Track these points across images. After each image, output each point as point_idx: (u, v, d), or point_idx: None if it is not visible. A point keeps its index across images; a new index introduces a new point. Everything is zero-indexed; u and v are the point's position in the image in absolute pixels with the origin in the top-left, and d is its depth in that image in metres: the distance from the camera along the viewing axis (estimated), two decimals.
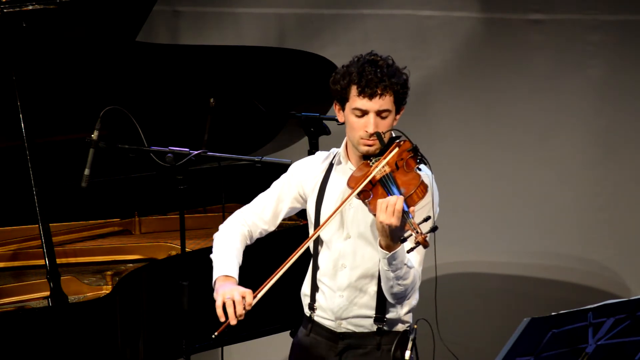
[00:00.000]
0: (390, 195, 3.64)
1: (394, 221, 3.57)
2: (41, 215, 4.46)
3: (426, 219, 3.59)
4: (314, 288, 3.97)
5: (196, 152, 4.39)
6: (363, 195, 3.73)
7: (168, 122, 5.41)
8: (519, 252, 6.44)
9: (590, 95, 6.29)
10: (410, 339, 3.83)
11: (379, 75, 3.75)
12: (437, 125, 6.42)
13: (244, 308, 3.73)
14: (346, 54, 6.48)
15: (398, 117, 3.83)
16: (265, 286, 3.77)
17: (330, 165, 3.95)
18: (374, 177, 3.72)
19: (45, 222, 4.46)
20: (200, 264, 4.88)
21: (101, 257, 5.09)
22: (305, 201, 3.99)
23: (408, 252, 3.68)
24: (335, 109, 3.89)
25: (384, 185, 3.70)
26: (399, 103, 3.80)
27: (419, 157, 3.77)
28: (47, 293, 4.43)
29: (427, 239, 3.56)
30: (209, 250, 5.02)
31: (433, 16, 6.40)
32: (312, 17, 6.52)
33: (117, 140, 4.57)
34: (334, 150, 4.00)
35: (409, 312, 3.96)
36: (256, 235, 4.03)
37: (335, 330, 3.93)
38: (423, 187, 3.69)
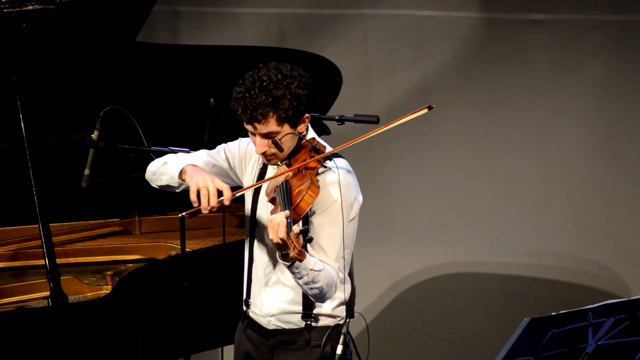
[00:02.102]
0: (282, 205, 3.64)
1: (277, 240, 3.57)
2: (41, 215, 4.45)
3: (302, 231, 3.57)
4: (249, 284, 4.00)
5: None
6: (271, 201, 3.77)
7: (168, 122, 5.41)
8: (519, 252, 6.44)
9: (590, 95, 6.29)
10: (343, 333, 3.79)
11: (254, 104, 3.72)
12: (436, 125, 6.42)
13: (218, 202, 3.71)
14: (346, 54, 6.52)
15: (302, 125, 3.80)
16: (246, 189, 3.80)
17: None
18: (277, 182, 3.74)
19: (45, 222, 4.46)
20: (200, 264, 4.89)
21: (101, 257, 5.09)
22: (233, 175, 3.99)
23: (284, 259, 3.63)
24: None
25: (280, 194, 3.70)
26: (290, 119, 3.76)
27: (324, 159, 3.76)
28: (47, 293, 4.43)
29: (300, 252, 3.52)
30: (209, 250, 5.04)
31: (433, 16, 6.40)
32: (312, 17, 6.52)
33: (117, 140, 4.57)
34: None
35: (339, 305, 3.93)
36: None
37: (266, 327, 3.95)
38: (312, 192, 3.68)
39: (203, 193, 3.70)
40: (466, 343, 6.49)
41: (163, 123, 5.35)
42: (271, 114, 3.73)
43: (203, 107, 5.39)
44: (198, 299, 4.79)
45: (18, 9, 4.58)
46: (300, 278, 3.69)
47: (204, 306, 4.86)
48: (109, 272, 4.73)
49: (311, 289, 3.73)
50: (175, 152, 4.37)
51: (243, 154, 4.00)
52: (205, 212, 3.71)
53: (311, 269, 3.68)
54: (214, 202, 3.70)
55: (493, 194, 6.44)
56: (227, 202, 3.72)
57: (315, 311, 3.89)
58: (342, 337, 3.78)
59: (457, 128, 6.45)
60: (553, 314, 3.33)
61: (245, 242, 4.01)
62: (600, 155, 6.31)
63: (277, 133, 3.76)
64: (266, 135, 3.76)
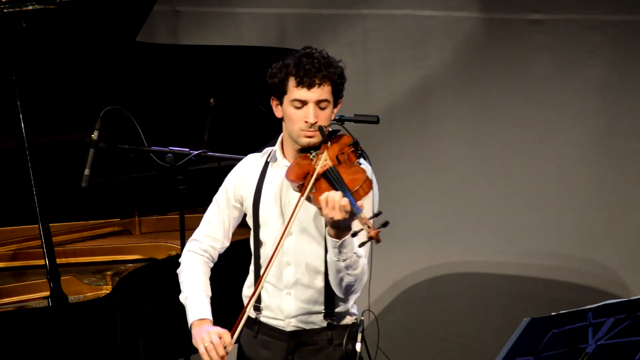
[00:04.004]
0: (337, 190, 3.63)
1: (339, 215, 3.57)
2: (41, 215, 4.46)
3: (377, 214, 3.59)
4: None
5: (196, 152, 4.40)
6: (299, 188, 3.72)
7: (168, 122, 5.41)
8: (519, 252, 6.43)
9: (590, 95, 6.29)
10: (359, 331, 3.82)
11: (317, 66, 3.76)
12: (436, 125, 6.42)
13: (225, 348, 3.75)
14: (346, 54, 6.52)
15: (336, 110, 3.84)
16: (240, 321, 3.79)
17: (266, 164, 3.94)
18: (317, 170, 3.72)
19: (45, 222, 4.46)
20: None
21: (101, 257, 5.09)
22: (243, 205, 3.98)
23: (360, 246, 3.65)
24: (272, 104, 3.87)
25: (329, 179, 3.69)
26: (337, 95, 3.82)
27: (359, 152, 3.78)
28: (47, 293, 4.43)
29: (380, 234, 3.52)
30: None
31: (433, 16, 6.40)
32: (312, 17, 6.52)
33: (117, 140, 4.58)
34: (267, 149, 3.99)
35: (355, 303, 3.93)
36: (215, 255, 4.02)
37: (284, 329, 3.89)
38: (369, 182, 3.70)
39: (210, 348, 3.75)
40: (466, 343, 6.49)
41: (163, 123, 5.35)
42: (327, 80, 3.77)
43: (203, 107, 5.39)
44: None
45: (18, 9, 4.58)
46: (344, 259, 3.66)
47: None
48: (109, 272, 4.73)
49: (349, 274, 3.70)
50: (174, 152, 4.37)
51: (232, 187, 3.97)
52: None
53: (355, 253, 3.68)
54: (222, 351, 3.75)
55: (493, 193, 6.44)
56: (230, 347, 3.78)
57: (336, 310, 3.87)
58: (359, 335, 3.80)
59: (457, 128, 6.45)
60: (553, 314, 3.33)
61: (252, 248, 3.95)
62: (600, 155, 6.31)
63: (328, 104, 3.78)
64: (317, 103, 3.77)
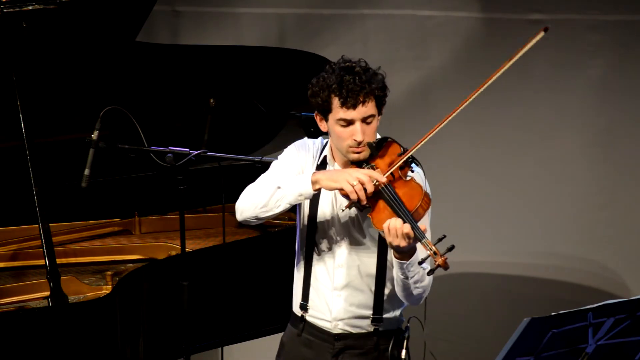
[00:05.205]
0: (394, 209, 3.62)
1: (403, 243, 3.58)
2: (41, 215, 4.45)
3: (441, 239, 3.57)
4: (307, 288, 3.92)
5: (196, 152, 4.39)
6: (356, 205, 3.71)
7: (168, 122, 5.41)
8: (519, 252, 6.44)
9: (590, 95, 6.29)
10: (405, 337, 3.83)
11: (359, 83, 3.71)
12: (436, 125, 6.41)
13: (375, 186, 3.66)
14: (346, 54, 6.49)
15: (379, 117, 3.81)
16: (393, 166, 3.71)
17: (320, 161, 3.92)
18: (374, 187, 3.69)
19: (45, 222, 4.45)
20: (200, 264, 4.89)
21: (101, 257, 5.09)
22: None
23: (428, 274, 3.65)
24: (316, 119, 3.84)
25: (385, 198, 3.67)
26: (381, 105, 3.79)
27: (410, 159, 3.76)
28: (47, 293, 4.42)
29: (447, 260, 3.52)
30: (209, 250, 5.04)
31: (433, 16, 6.40)
32: (312, 17, 6.52)
33: (117, 140, 4.57)
34: (322, 140, 3.95)
35: (403, 309, 3.94)
36: None
37: (331, 331, 3.88)
38: (427, 198, 3.69)
39: (359, 189, 3.65)
40: (466, 343, 6.49)
41: (163, 123, 5.35)
42: (371, 95, 3.73)
43: (203, 107, 5.39)
44: (198, 298, 4.79)
45: (18, 9, 4.57)
46: (412, 276, 3.68)
47: (204, 306, 4.86)
48: (109, 272, 4.73)
49: (416, 287, 3.72)
50: (174, 152, 4.37)
51: (297, 160, 3.92)
52: (365, 203, 3.66)
53: (421, 267, 3.69)
54: (371, 188, 3.65)
55: (493, 193, 6.44)
56: (384, 180, 3.67)
57: (385, 315, 3.87)
58: (405, 342, 3.81)
59: (457, 128, 6.44)
60: (553, 314, 3.33)
61: (301, 247, 3.93)
62: (600, 155, 6.31)
63: (373, 118, 3.74)
64: (364, 120, 3.73)
